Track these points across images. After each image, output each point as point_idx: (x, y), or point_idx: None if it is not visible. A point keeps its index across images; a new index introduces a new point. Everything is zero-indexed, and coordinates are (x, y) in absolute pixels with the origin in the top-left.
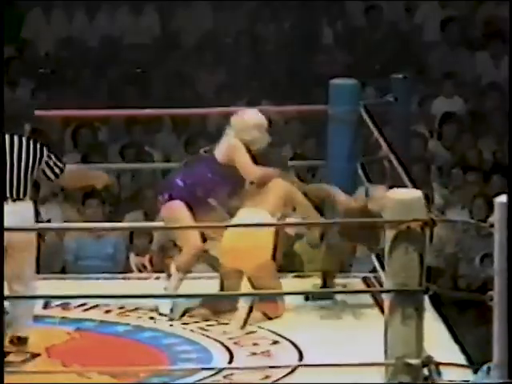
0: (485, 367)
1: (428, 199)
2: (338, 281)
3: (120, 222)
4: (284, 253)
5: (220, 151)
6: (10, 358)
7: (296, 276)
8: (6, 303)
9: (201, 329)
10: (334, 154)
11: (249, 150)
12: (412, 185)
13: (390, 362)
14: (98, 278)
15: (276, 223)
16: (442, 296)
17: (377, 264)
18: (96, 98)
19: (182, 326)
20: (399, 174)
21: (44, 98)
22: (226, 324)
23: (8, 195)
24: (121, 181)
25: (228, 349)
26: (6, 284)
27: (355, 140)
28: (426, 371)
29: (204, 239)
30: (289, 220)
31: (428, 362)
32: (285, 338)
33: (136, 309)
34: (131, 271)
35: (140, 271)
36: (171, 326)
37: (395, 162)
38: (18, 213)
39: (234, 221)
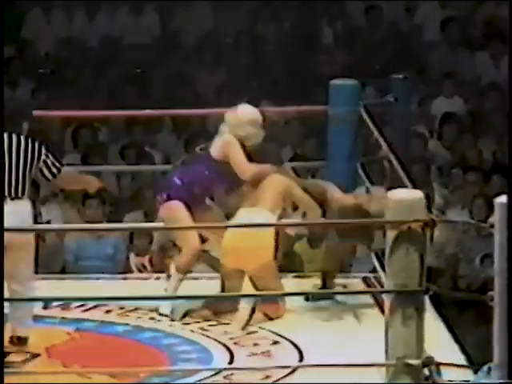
0: (485, 367)
1: (428, 199)
2: (338, 281)
3: (120, 222)
4: (284, 253)
5: (215, 148)
6: (10, 358)
7: (296, 276)
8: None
9: (201, 329)
10: (334, 155)
11: (243, 146)
12: (412, 185)
13: (391, 362)
14: (98, 279)
15: (276, 223)
16: (443, 296)
17: (377, 264)
18: (96, 98)
19: (182, 326)
20: (399, 175)
21: (44, 98)
22: (227, 324)
23: (6, 194)
24: (121, 181)
25: (228, 349)
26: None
27: (355, 140)
28: (426, 371)
29: (203, 239)
30: (289, 220)
31: (428, 362)
32: (285, 338)
33: (136, 309)
34: (131, 271)
35: (140, 271)
36: (171, 326)
37: (395, 163)
38: (17, 212)
39: (234, 221)
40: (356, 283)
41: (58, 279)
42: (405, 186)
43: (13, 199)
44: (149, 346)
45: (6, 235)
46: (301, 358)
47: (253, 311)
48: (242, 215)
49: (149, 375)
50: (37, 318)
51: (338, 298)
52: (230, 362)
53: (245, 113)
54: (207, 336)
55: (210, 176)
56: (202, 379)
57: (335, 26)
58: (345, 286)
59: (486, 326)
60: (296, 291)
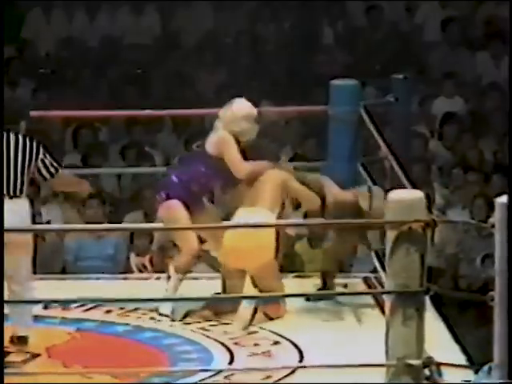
0: (486, 367)
1: (429, 199)
2: (339, 281)
3: (120, 222)
4: (284, 253)
5: (210, 144)
6: (11, 358)
7: (296, 276)
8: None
9: (201, 329)
10: (334, 155)
11: (238, 142)
12: (411, 185)
13: (391, 362)
14: (98, 279)
15: (276, 224)
16: (443, 296)
17: (377, 264)
18: (96, 98)
19: (183, 326)
20: (399, 175)
21: (44, 98)
22: (228, 324)
23: (5, 192)
24: (121, 181)
25: (229, 349)
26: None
27: (355, 140)
28: (426, 372)
29: (202, 240)
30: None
31: (429, 362)
32: (286, 338)
33: (136, 309)
34: (132, 271)
35: (140, 271)
36: (171, 326)
37: (393, 163)
38: (15, 210)
39: (234, 221)
40: (357, 283)
41: (58, 279)
42: (405, 187)
43: (11, 198)
44: (149, 346)
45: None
46: (301, 358)
47: (255, 311)
48: (242, 215)
49: (149, 375)
50: (37, 318)
51: (339, 298)
52: (231, 362)
53: (239, 108)
54: (208, 336)
55: (207, 172)
56: (202, 379)
57: (336, 26)
58: (345, 286)
59: (486, 326)
60: (297, 291)
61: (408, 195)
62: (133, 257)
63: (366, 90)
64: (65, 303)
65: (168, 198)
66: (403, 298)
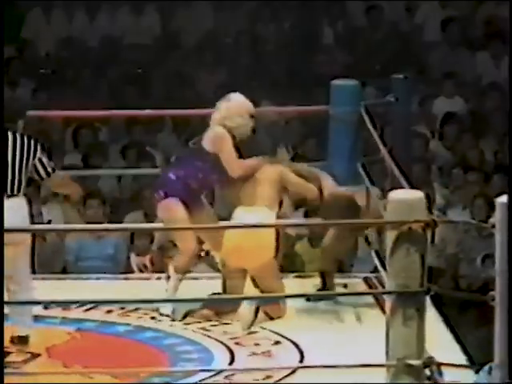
0: (486, 367)
1: (429, 199)
2: (339, 281)
3: (121, 222)
4: (285, 253)
5: (206, 141)
6: (11, 358)
7: (297, 276)
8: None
9: (202, 329)
10: (334, 155)
11: (233, 137)
12: (409, 186)
13: (392, 362)
14: (98, 279)
15: (277, 224)
16: (444, 296)
17: (378, 264)
18: (96, 98)
19: (183, 326)
20: (397, 175)
21: (44, 98)
22: (228, 324)
23: None
24: (121, 181)
25: (229, 349)
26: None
27: (356, 140)
28: (427, 372)
29: (201, 240)
30: (289, 220)
31: (429, 362)
32: (286, 338)
33: (137, 309)
34: (132, 271)
35: (141, 271)
36: (172, 326)
37: (391, 163)
38: (13, 209)
39: (233, 221)
40: (357, 283)
41: (58, 279)
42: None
43: (8, 197)
44: (150, 346)
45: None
46: (302, 358)
47: (257, 311)
48: (241, 214)
49: (150, 375)
50: (37, 318)
51: (339, 298)
52: (231, 362)
53: (235, 103)
54: (208, 336)
55: (204, 168)
56: (202, 379)
57: (336, 26)
58: (345, 286)
59: (486, 326)
60: (297, 291)
61: (408, 195)
62: (133, 257)
63: (366, 90)
64: (65, 304)
65: (166, 196)
66: (404, 298)
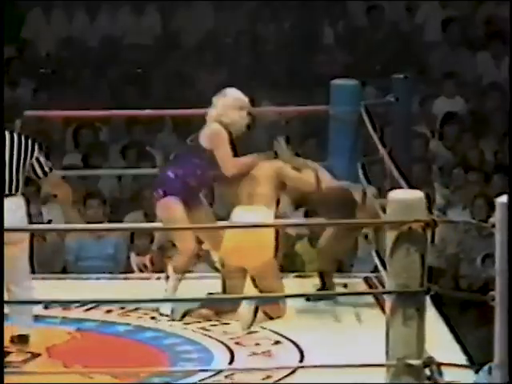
0: (486, 367)
1: (429, 199)
2: (339, 281)
3: (121, 222)
4: (285, 253)
5: (203, 138)
6: (11, 358)
7: (297, 276)
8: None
9: (202, 329)
10: (334, 155)
11: (229, 133)
12: (408, 186)
13: (392, 362)
14: (98, 279)
15: (277, 224)
16: (444, 296)
17: (379, 264)
18: (97, 98)
19: (183, 326)
20: (396, 175)
21: (44, 98)
22: (228, 324)
23: None
24: (121, 181)
25: (229, 349)
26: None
27: (356, 140)
28: (427, 372)
29: (201, 240)
30: (289, 220)
31: (429, 362)
32: (286, 338)
33: (137, 309)
34: (132, 271)
35: (141, 271)
36: (172, 326)
37: (391, 164)
38: (11, 209)
39: (233, 220)
40: (357, 283)
41: (58, 279)
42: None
43: (6, 196)
44: (150, 345)
45: None
46: (302, 358)
47: (256, 310)
48: (240, 214)
49: (150, 375)
50: (38, 318)
51: (339, 298)
52: (231, 362)
53: (231, 98)
54: (208, 336)
55: (202, 165)
56: (202, 379)
57: (336, 26)
58: (345, 286)
59: (487, 326)
60: (297, 291)
61: (408, 195)
62: (133, 257)
63: (366, 90)
64: (65, 303)
65: (165, 194)
66: (404, 297)
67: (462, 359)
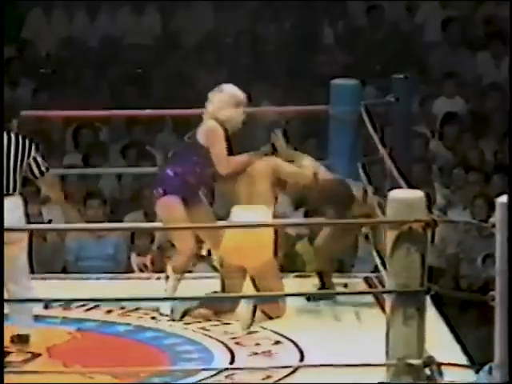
0: (486, 367)
1: (429, 199)
2: (340, 281)
3: (121, 222)
4: (285, 253)
5: (200, 135)
6: (11, 357)
7: (297, 276)
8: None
9: (202, 329)
10: (334, 154)
11: (226, 130)
12: (407, 185)
13: (392, 362)
14: (98, 279)
15: (277, 224)
16: (444, 296)
17: (379, 263)
18: (97, 98)
19: (184, 326)
20: (397, 175)
21: (45, 98)
22: (229, 324)
23: None
24: (121, 181)
25: (229, 349)
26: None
27: (356, 140)
28: (427, 371)
29: (200, 240)
30: (289, 220)
31: (429, 362)
32: (287, 338)
33: (137, 309)
34: (132, 271)
35: (141, 271)
36: (172, 326)
37: (391, 164)
38: (8, 208)
39: (232, 220)
40: (357, 283)
41: (58, 279)
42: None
43: (4, 196)
44: (150, 345)
45: None
46: (302, 358)
47: (254, 310)
48: (239, 214)
49: (150, 375)
50: (38, 318)
51: (340, 298)
52: (231, 362)
53: (227, 94)
54: (209, 336)
55: (200, 162)
56: (203, 379)
57: (336, 26)
58: (345, 286)
59: (487, 326)
60: (297, 291)
61: (408, 195)
62: (133, 257)
63: (366, 90)
64: (64, 302)
65: (165, 193)
66: (404, 297)
67: (462, 359)
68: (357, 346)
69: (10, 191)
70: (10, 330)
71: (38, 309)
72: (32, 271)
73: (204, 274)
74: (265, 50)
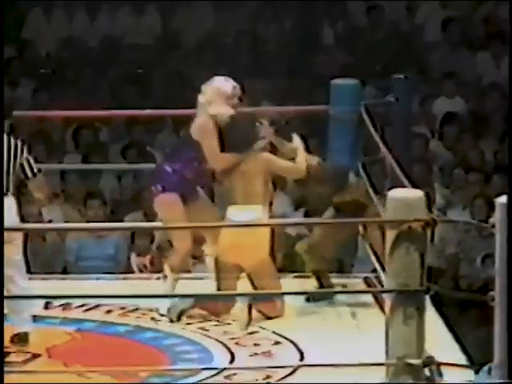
0: (486, 367)
1: (429, 199)
2: (339, 281)
3: (121, 222)
4: (285, 253)
5: (193, 130)
6: (11, 358)
7: (297, 276)
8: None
9: (202, 329)
10: (334, 154)
11: (217, 124)
12: (410, 185)
13: (391, 362)
14: (98, 279)
15: (276, 224)
16: (443, 296)
17: (377, 265)
18: (97, 98)
19: (183, 326)
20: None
21: (45, 98)
22: (229, 324)
23: None
24: (121, 182)
25: (229, 349)
26: None
27: (356, 140)
28: (427, 371)
29: (199, 240)
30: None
31: (429, 362)
32: (286, 338)
33: (136, 309)
34: (132, 271)
35: (141, 271)
36: (171, 326)
37: (392, 163)
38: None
39: (229, 219)
40: (357, 283)
41: (59, 279)
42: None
43: None
44: (149, 346)
45: None
46: (301, 358)
47: (250, 309)
48: (234, 214)
49: (149, 375)
50: (37, 318)
51: (339, 298)
52: (231, 362)
53: (219, 86)
54: (208, 336)
55: (196, 156)
56: (202, 379)
57: (336, 26)
58: (344, 286)
59: (486, 326)
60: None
61: (408, 194)
62: (133, 257)
63: (366, 90)
64: (63, 300)
65: (164, 190)
66: (403, 297)
67: (461, 359)
68: (356, 346)
69: (4, 192)
70: (9, 330)
71: (37, 309)
72: (29, 271)
73: (203, 274)
74: (265, 50)
